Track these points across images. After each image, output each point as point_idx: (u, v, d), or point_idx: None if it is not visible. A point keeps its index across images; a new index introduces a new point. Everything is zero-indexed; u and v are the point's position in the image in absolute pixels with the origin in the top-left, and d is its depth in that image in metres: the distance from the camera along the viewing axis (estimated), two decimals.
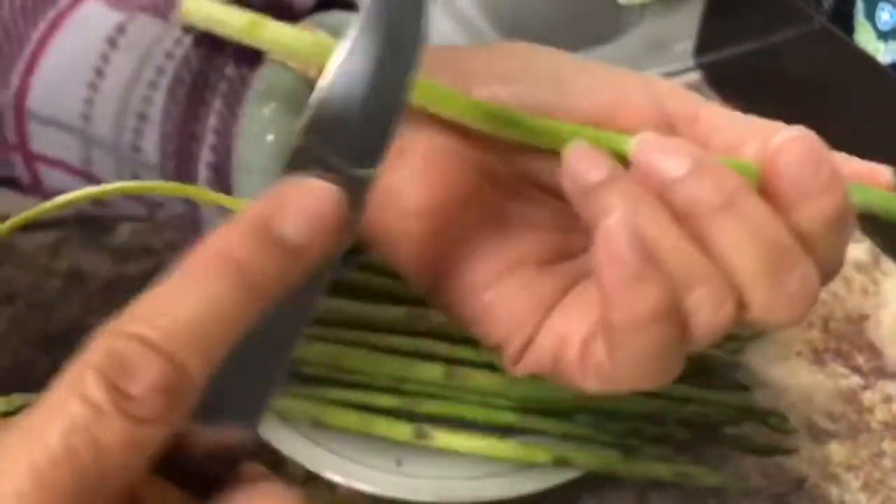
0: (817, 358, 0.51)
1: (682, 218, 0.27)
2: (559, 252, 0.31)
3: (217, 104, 0.31)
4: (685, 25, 0.70)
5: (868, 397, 0.49)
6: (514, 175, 0.31)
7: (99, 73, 0.32)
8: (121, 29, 0.32)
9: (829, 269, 0.29)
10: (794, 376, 0.50)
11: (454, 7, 0.82)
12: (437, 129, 0.30)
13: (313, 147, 0.23)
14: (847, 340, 0.52)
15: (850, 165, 0.30)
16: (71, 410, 0.18)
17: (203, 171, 0.32)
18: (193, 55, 0.32)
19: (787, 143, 0.27)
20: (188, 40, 0.32)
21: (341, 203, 0.22)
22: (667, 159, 0.27)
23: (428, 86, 0.28)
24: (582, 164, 0.27)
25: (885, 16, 0.59)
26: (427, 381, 0.43)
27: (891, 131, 0.55)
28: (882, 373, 0.50)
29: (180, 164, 0.32)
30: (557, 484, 0.42)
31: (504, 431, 0.43)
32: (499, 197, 0.31)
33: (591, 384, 0.29)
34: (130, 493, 0.20)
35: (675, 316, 0.26)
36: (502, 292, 0.30)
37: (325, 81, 0.24)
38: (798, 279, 0.27)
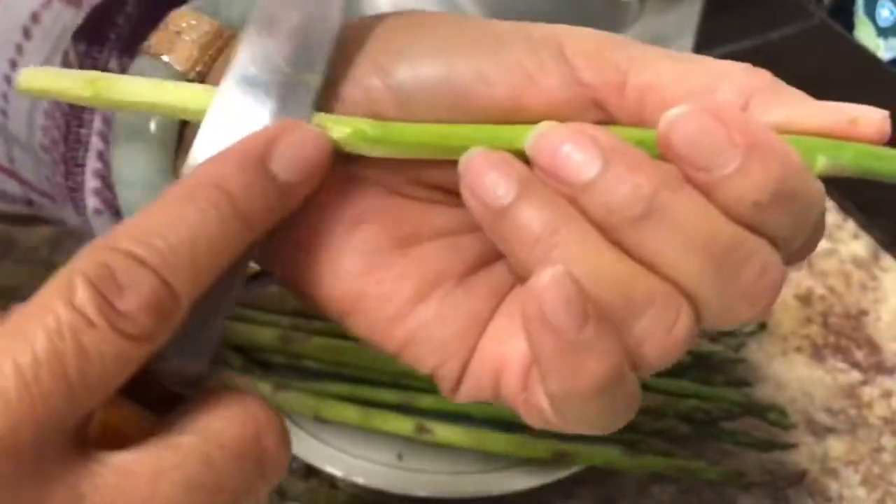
0: (817, 353, 0.51)
1: (604, 230, 0.22)
2: (479, 257, 0.26)
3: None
4: (685, 22, 0.70)
5: (867, 393, 0.49)
6: (406, 180, 0.26)
7: (14, 65, 0.30)
8: (36, 18, 0.30)
9: (797, 245, 0.23)
10: (794, 372, 0.50)
11: (454, 5, 0.82)
12: None
13: (260, 52, 0.25)
14: (846, 336, 0.52)
15: (819, 117, 0.23)
16: (58, 313, 0.18)
17: (91, 181, 0.29)
18: (73, 52, 0.29)
19: (676, 120, 0.21)
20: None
21: (330, 148, 0.23)
22: (568, 159, 0.22)
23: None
24: (483, 178, 0.22)
25: (884, 12, 0.59)
26: (428, 376, 0.43)
27: (891, 127, 0.55)
28: (881, 368, 0.50)
29: (69, 173, 0.30)
30: (558, 479, 0.42)
31: (504, 426, 0.43)
32: (395, 209, 0.25)
33: (538, 425, 0.25)
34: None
35: (623, 376, 0.22)
36: (422, 319, 0.25)
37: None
38: (752, 273, 0.22)
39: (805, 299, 0.54)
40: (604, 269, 0.22)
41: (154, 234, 0.20)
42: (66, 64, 0.30)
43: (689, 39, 0.69)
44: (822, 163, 0.23)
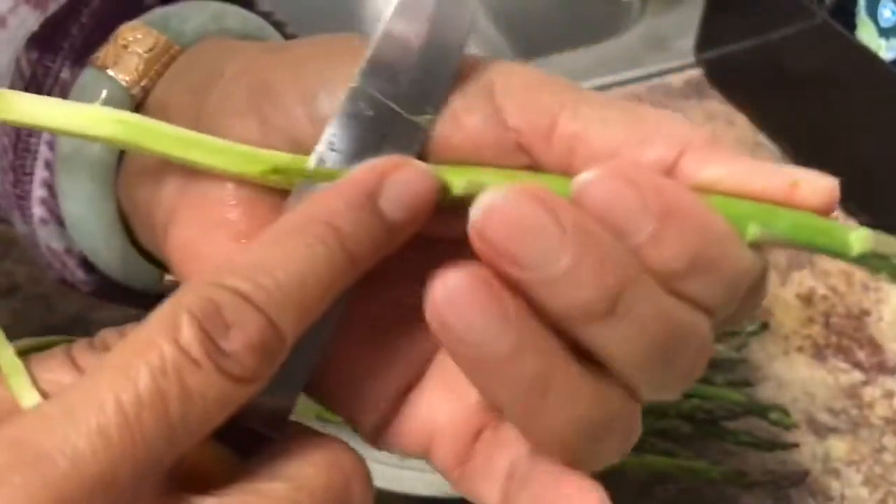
0: (818, 353, 0.51)
1: (554, 324, 0.20)
2: (401, 302, 0.24)
3: None
4: (686, 22, 0.70)
5: (869, 392, 0.49)
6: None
7: None
8: (2, 21, 0.30)
9: (727, 315, 0.21)
10: (796, 372, 0.50)
11: None
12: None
13: (370, 90, 0.23)
14: (848, 336, 0.52)
15: (756, 179, 0.21)
16: (163, 351, 0.18)
17: (38, 191, 0.29)
18: (24, 59, 0.29)
19: (587, 185, 0.19)
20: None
21: (437, 188, 0.22)
22: (518, 241, 0.19)
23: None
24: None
25: (886, 12, 0.59)
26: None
27: (892, 127, 0.55)
28: (883, 368, 0.50)
29: (17, 181, 0.29)
30: None
31: None
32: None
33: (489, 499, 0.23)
34: None
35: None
36: (339, 363, 0.24)
37: (383, 24, 0.24)
38: (689, 355, 0.21)
39: (807, 299, 0.54)
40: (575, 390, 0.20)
41: (262, 270, 0.19)
42: (18, 71, 0.29)
43: (689, 39, 0.69)
44: (753, 231, 0.21)
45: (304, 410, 0.43)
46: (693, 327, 0.20)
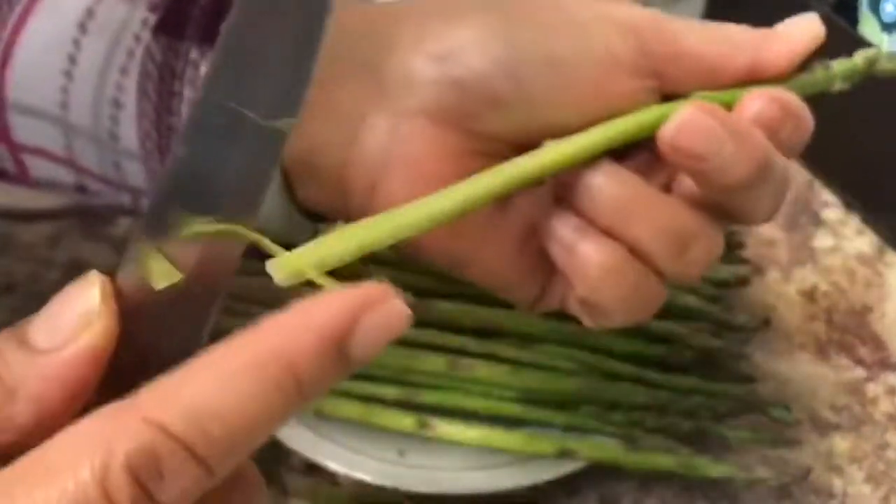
0: (821, 350, 0.51)
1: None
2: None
3: (188, 93, 0.31)
4: (688, 18, 0.70)
5: (872, 389, 0.49)
6: (492, 146, 0.30)
7: (72, 59, 0.31)
8: (90, 13, 0.31)
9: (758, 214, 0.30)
10: (798, 368, 0.50)
11: None
12: (420, 133, 0.29)
13: (222, 99, 0.22)
14: (851, 332, 0.51)
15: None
16: (87, 494, 0.17)
17: None
18: (154, 46, 0.31)
19: (680, 122, 0.27)
20: (152, 21, 0.31)
21: (408, 321, 0.20)
22: (699, 141, 0.27)
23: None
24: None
25: (889, 7, 0.58)
26: (430, 372, 0.43)
27: (894, 123, 0.54)
28: (886, 365, 0.50)
29: (164, 160, 0.31)
30: (561, 475, 0.42)
31: (507, 422, 0.42)
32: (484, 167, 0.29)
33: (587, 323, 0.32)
34: None
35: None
36: (521, 263, 0.31)
37: (226, 27, 0.22)
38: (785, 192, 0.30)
39: (809, 296, 0.53)
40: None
41: (212, 416, 0.18)
42: (149, 56, 0.31)
43: None
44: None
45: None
46: (788, 172, 0.30)
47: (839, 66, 0.31)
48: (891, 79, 0.54)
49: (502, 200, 0.29)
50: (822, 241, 0.56)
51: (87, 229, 0.55)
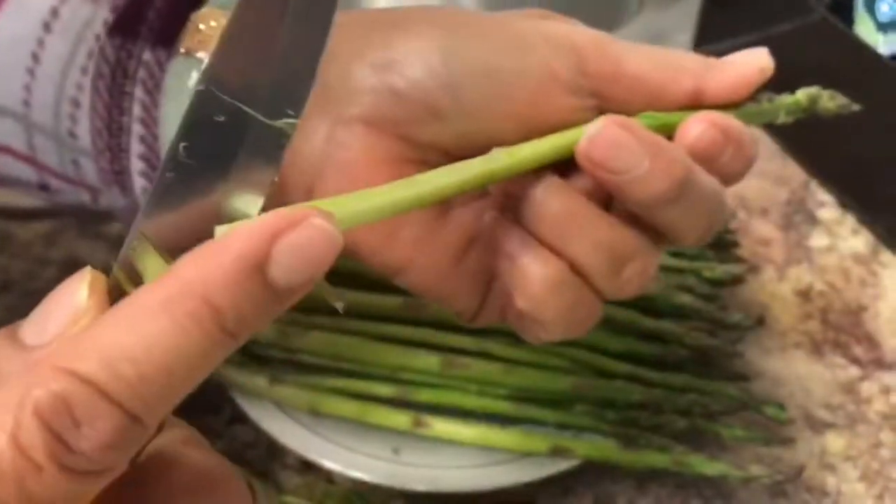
0: (816, 349, 0.51)
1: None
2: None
3: (139, 93, 0.31)
4: (685, 17, 0.70)
5: (866, 388, 0.49)
6: (429, 154, 0.30)
7: (36, 58, 0.32)
8: (55, 13, 0.32)
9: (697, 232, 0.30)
10: (793, 367, 0.50)
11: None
12: (357, 139, 0.29)
13: (218, 93, 0.21)
14: (845, 331, 0.52)
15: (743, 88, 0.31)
16: (1, 450, 0.17)
17: (136, 163, 0.31)
18: (108, 46, 0.31)
19: (595, 134, 0.28)
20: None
21: (341, 244, 0.19)
22: (613, 155, 0.28)
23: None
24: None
25: (884, 7, 0.59)
26: (424, 371, 0.43)
27: (891, 121, 0.55)
28: (880, 364, 0.50)
29: (114, 158, 0.32)
30: (555, 473, 0.42)
31: (502, 421, 0.42)
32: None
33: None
34: None
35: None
36: (458, 274, 0.31)
37: (231, 14, 0.21)
38: (720, 218, 0.30)
39: (804, 295, 0.53)
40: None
41: (124, 356, 0.17)
42: (103, 57, 0.31)
43: (688, 35, 0.69)
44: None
45: (299, 402, 0.43)
46: (721, 195, 0.30)
47: (783, 100, 0.32)
48: (887, 80, 0.54)
49: (443, 204, 0.29)
50: (818, 240, 0.57)
51: (83, 228, 0.55)
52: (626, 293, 0.30)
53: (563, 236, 0.29)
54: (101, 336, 0.18)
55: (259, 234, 0.18)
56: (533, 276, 0.29)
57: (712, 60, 0.30)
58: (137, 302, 0.18)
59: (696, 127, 0.29)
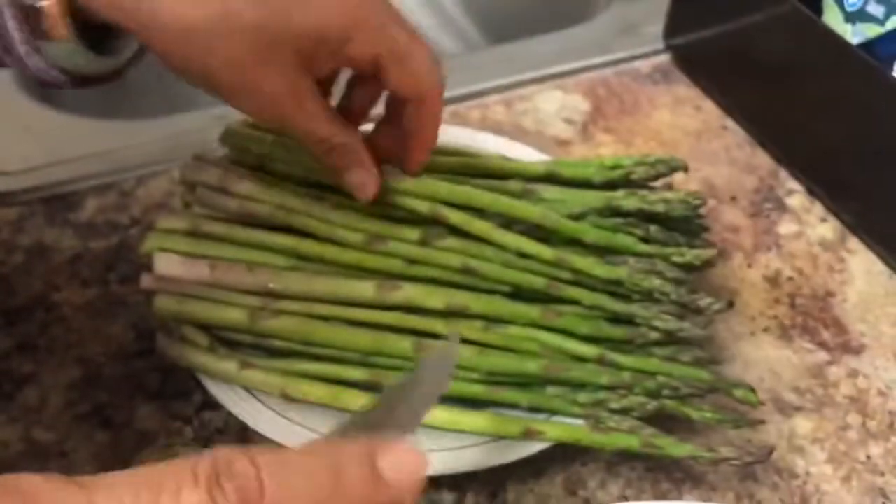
0: (784, 333, 0.51)
1: None
2: None
3: None
4: (655, 8, 0.70)
5: (833, 372, 0.49)
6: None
7: None
8: None
9: None
10: (762, 351, 0.50)
11: None
12: None
13: None
14: (813, 317, 0.52)
15: None
16: None
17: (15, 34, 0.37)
18: None
19: None
20: None
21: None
22: None
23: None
24: None
25: None
26: (397, 355, 0.43)
27: (859, 111, 0.55)
28: (847, 348, 0.51)
29: None
30: (526, 456, 0.42)
31: (473, 404, 0.42)
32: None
33: None
34: None
35: None
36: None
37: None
38: None
39: (773, 280, 0.54)
40: None
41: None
42: None
43: (658, 26, 0.70)
44: None
45: (269, 387, 0.43)
46: None
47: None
48: (856, 69, 0.54)
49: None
50: (787, 227, 0.57)
51: (52, 214, 0.54)
52: None
53: None
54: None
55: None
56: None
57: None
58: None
59: None
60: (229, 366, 0.43)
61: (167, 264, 0.45)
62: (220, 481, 0.22)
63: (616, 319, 0.44)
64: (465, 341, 0.43)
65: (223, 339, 0.45)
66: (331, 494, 0.24)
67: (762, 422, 0.46)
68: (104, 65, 0.40)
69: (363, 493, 0.24)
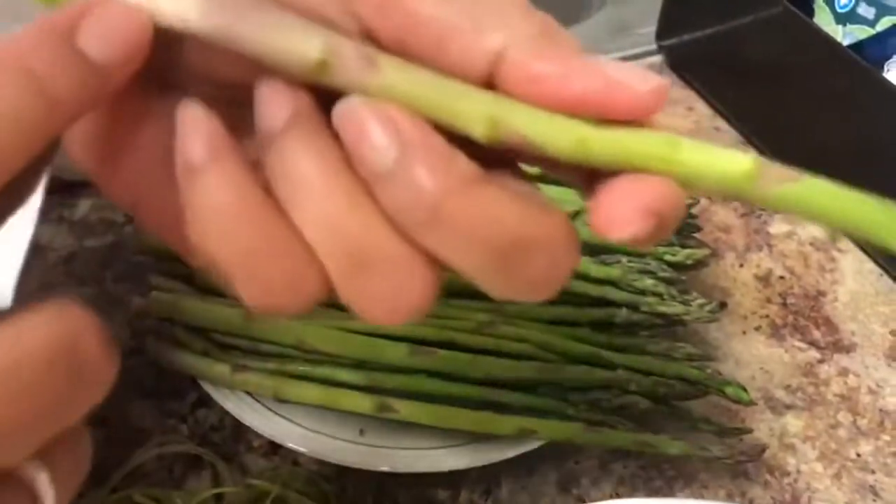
0: (776, 332, 0.52)
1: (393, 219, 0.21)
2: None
3: None
4: (648, 9, 0.71)
5: (824, 370, 0.50)
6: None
7: None
8: None
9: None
10: (753, 350, 0.51)
11: None
12: None
13: None
14: (805, 316, 0.53)
15: (580, 82, 0.20)
16: None
17: None
18: None
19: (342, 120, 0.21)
20: None
21: (149, 27, 0.20)
22: (369, 143, 0.20)
23: None
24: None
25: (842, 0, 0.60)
26: (392, 362, 0.43)
27: (850, 112, 0.56)
28: (838, 347, 0.51)
29: None
30: (519, 454, 0.42)
31: (469, 404, 0.43)
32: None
33: None
34: None
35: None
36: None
37: None
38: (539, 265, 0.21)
39: (764, 280, 0.54)
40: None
41: None
42: None
43: (651, 26, 0.70)
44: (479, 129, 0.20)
45: (263, 389, 0.43)
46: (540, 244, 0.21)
47: None
48: (848, 71, 0.55)
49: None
50: (778, 227, 0.58)
51: (47, 212, 0.54)
52: (372, 311, 0.22)
53: (289, 192, 0.21)
54: None
55: (66, 10, 0.20)
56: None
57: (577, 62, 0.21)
58: None
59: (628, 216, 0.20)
60: (222, 368, 0.43)
61: None
62: None
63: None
64: (457, 347, 0.43)
65: (216, 342, 0.45)
66: None
67: (750, 430, 0.45)
68: None
69: None
